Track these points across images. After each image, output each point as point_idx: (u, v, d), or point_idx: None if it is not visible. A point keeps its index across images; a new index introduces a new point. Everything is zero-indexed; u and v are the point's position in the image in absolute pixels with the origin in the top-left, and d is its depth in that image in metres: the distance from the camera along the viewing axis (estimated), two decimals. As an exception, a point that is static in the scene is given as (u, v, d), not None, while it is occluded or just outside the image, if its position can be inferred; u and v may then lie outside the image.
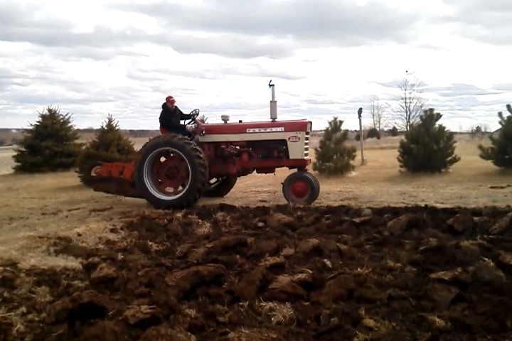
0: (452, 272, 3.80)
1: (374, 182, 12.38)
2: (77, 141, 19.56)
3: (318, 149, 15.15)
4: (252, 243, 5.24)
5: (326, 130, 15.54)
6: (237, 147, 9.33)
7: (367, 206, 7.87)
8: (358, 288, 3.66)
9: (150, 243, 5.65)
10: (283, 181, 9.04)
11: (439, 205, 7.76)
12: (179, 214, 7.35)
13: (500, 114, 14.29)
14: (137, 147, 14.72)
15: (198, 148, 8.67)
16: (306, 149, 9.19)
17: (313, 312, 3.35)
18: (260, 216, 7.08)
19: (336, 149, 14.79)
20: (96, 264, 4.68)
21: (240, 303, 3.55)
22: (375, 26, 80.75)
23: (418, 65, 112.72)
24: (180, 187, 9.01)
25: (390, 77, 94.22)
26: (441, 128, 14.28)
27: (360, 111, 19.22)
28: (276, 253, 4.83)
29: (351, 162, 14.96)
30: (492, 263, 3.95)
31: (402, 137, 16.65)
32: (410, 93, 48.95)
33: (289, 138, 8.93)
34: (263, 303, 3.49)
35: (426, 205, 7.71)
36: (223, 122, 9.64)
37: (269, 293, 3.68)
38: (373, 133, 52.70)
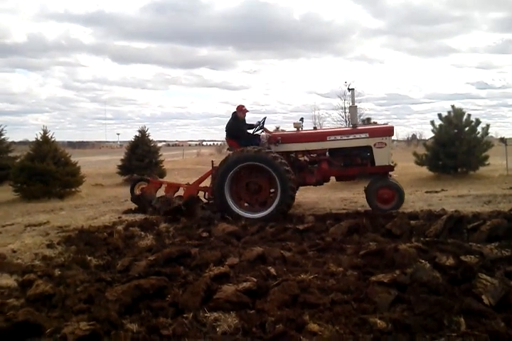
0: (391, 274, 3.93)
1: (317, 189, 12.57)
2: (12, 154, 18.65)
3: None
4: (196, 253, 5.18)
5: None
6: (316, 155, 8.81)
7: (310, 213, 7.99)
8: (302, 293, 3.69)
9: (89, 258, 5.45)
10: (366, 187, 8.70)
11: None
12: (120, 227, 7.13)
13: (432, 123, 15.07)
14: (74, 159, 14.30)
15: (285, 162, 8.08)
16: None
17: (259, 320, 3.34)
18: (204, 226, 7.03)
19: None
20: (32, 281, 4.44)
21: (184, 315, 3.48)
22: (312, 39, 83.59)
23: (355, 76, 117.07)
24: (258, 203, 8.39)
25: (328, 87, 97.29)
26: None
27: (301, 120, 19.54)
28: (221, 263, 4.78)
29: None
30: (429, 265, 4.11)
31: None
32: (349, 103, 50.51)
33: (375, 145, 8.42)
34: (208, 314, 3.45)
35: (365, 210, 7.97)
36: (295, 130, 9.20)
37: (214, 303, 3.64)
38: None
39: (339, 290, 3.77)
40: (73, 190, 13.71)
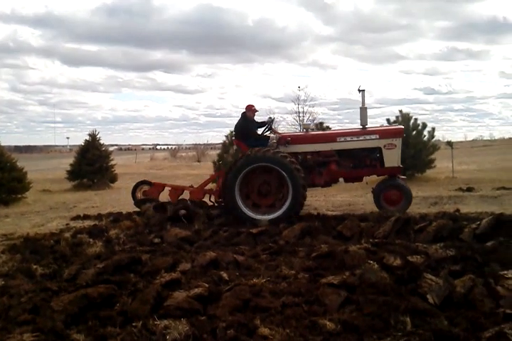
0: (341, 276, 3.99)
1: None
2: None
3: (216, 162, 15.26)
4: (147, 260, 5.07)
5: (223, 143, 15.72)
6: (325, 156, 8.64)
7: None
8: (254, 298, 3.69)
9: (35, 266, 5.22)
10: (373, 188, 8.65)
11: (329, 213, 8.13)
12: (67, 234, 6.90)
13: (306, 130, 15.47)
14: (21, 163, 13.75)
15: (296, 163, 7.97)
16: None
17: (210, 326, 3.31)
18: (156, 231, 6.91)
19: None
20: (-27, 292, 4.22)
21: (133, 324, 3.39)
22: (265, 44, 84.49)
23: (308, 81, 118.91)
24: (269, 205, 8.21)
25: (282, 92, 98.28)
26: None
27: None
28: (173, 270, 4.71)
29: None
30: (377, 266, 4.18)
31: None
32: (303, 107, 51.35)
33: (385, 146, 8.42)
34: (157, 322, 3.37)
35: (318, 213, 8.08)
36: (305, 131, 9.03)
37: (165, 311, 3.58)
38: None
39: (290, 293, 3.80)
40: (19, 196, 13.15)
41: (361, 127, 8.70)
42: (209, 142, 49.22)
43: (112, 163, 18.08)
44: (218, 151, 16.80)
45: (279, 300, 3.64)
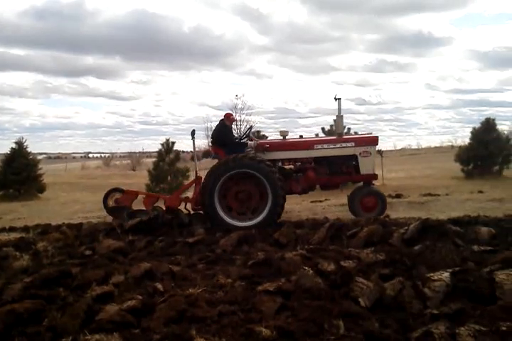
0: (277, 283, 4.03)
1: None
2: None
3: (152, 171, 14.97)
4: (77, 273, 4.87)
5: (159, 151, 15.47)
6: (302, 164, 8.70)
7: (201, 226, 7.94)
8: (190, 308, 3.64)
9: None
10: (349, 195, 8.71)
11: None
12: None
13: (317, 136, 15.91)
14: None
15: (276, 170, 7.97)
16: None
17: (144, 339, 3.23)
18: (88, 243, 6.66)
19: (170, 170, 14.80)
20: None
21: (63, 339, 3.25)
22: (202, 52, 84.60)
23: (245, 90, 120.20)
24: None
25: (219, 100, 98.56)
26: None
27: (193, 132, 19.50)
28: (105, 282, 4.55)
29: (186, 182, 15.06)
30: (311, 271, 4.26)
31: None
32: (240, 116, 51.72)
33: (360, 154, 8.59)
34: (88, 336, 3.24)
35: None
36: (282, 138, 8.98)
37: (96, 325, 3.45)
38: (208, 153, 54.16)
39: (227, 302, 3.78)
40: None
41: (338, 135, 8.93)
42: (144, 150, 48.34)
43: (40, 172, 17.27)
44: (154, 159, 16.48)
45: (215, 310, 3.61)
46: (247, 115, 51.89)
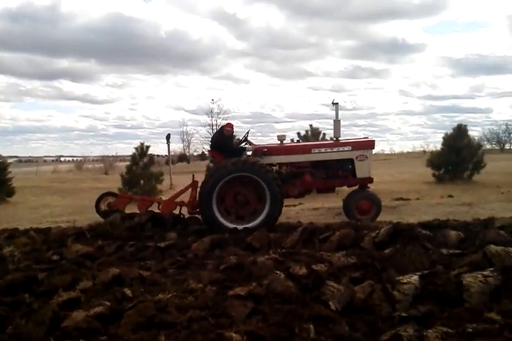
0: (248, 287, 3.99)
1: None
2: None
3: (124, 175, 14.74)
4: (43, 279, 4.74)
5: (133, 155, 15.26)
6: (299, 168, 8.72)
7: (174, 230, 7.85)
8: (159, 314, 3.58)
9: None
10: (344, 198, 8.77)
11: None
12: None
13: (292, 141, 15.95)
14: None
15: (275, 173, 8.06)
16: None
17: (111, 346, 3.15)
18: (55, 248, 6.50)
19: (143, 174, 14.61)
20: None
21: (27, 348, 3.15)
22: (178, 56, 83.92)
23: (221, 95, 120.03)
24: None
25: (195, 104, 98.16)
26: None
27: (168, 136, 19.49)
28: (72, 288, 4.45)
29: (159, 186, 14.92)
30: (283, 276, 4.25)
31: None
32: (216, 120, 51.70)
33: (357, 157, 8.64)
34: (53, 344, 3.16)
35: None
36: (279, 142, 9.01)
37: (62, 332, 3.38)
38: (183, 157, 53.80)
39: (197, 307, 3.72)
40: None
41: (334, 139, 9.03)
42: (118, 154, 47.67)
43: (10, 175, 16.84)
44: (128, 163, 16.25)
45: (185, 315, 3.55)
46: (223, 119, 51.99)
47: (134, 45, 79.98)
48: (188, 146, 58.29)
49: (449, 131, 17.20)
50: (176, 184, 18.05)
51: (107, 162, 36.03)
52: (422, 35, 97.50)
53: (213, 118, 51.68)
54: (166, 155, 23.31)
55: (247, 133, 9.17)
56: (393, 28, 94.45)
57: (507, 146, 50.41)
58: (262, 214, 7.96)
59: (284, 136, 9.29)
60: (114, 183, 16.43)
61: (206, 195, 7.94)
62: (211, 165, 14.97)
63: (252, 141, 9.07)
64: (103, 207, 8.99)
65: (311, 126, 18.38)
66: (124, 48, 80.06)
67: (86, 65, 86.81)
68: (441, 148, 17.31)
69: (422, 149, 40.91)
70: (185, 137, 57.29)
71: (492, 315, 3.29)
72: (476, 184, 15.18)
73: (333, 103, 8.90)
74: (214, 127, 51.89)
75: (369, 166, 8.85)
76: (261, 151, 8.62)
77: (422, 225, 6.67)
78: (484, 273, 4.01)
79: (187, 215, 8.85)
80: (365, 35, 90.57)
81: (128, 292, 4.17)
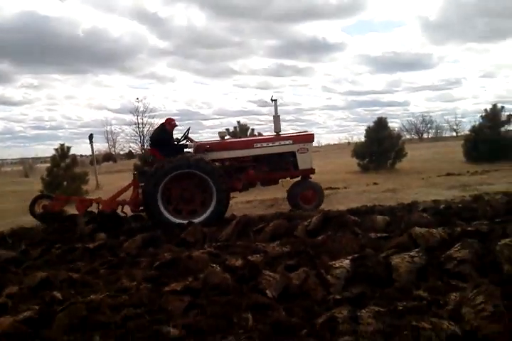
0: (184, 282, 3.94)
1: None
2: None
3: (45, 177, 14.07)
4: (-37, 287, 4.41)
5: (53, 157, 14.60)
6: (242, 162, 8.85)
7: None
8: (92, 314, 3.43)
9: None
10: (287, 189, 9.07)
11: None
12: None
13: (222, 138, 15.90)
14: None
15: (219, 168, 8.19)
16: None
17: (42, 350, 2.99)
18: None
19: (66, 176, 14.03)
20: None
21: None
22: (98, 55, 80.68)
23: (146, 93, 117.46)
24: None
25: (119, 103, 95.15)
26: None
27: (91, 136, 18.85)
28: (-3, 295, 4.18)
29: (85, 187, 14.38)
30: (219, 268, 4.24)
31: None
32: (142, 119, 50.64)
33: (298, 150, 8.93)
34: (-23, 355, 2.95)
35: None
36: (220, 139, 9.20)
37: (-14, 341, 3.14)
38: (109, 157, 52.21)
39: (132, 306, 3.61)
40: None
41: (275, 134, 9.22)
42: (38, 156, 45.38)
43: None
44: (48, 165, 15.50)
45: (119, 314, 3.44)
46: (149, 118, 50.97)
47: (50, 45, 75.90)
48: (114, 145, 56.69)
49: (371, 124, 18.07)
50: (102, 184, 17.49)
51: (27, 164, 34.22)
52: (341, 35, 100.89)
53: (139, 117, 50.78)
54: (91, 155, 22.45)
55: (188, 130, 9.18)
56: (313, 28, 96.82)
57: (425, 136, 53.58)
58: (209, 209, 8.02)
59: (226, 132, 9.68)
60: (35, 186, 15.64)
61: (151, 193, 7.88)
62: (141, 163, 14.68)
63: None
64: (38, 209, 8.60)
65: (238, 122, 18.51)
66: (39, 48, 75.70)
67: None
68: (365, 140, 18.11)
69: (346, 141, 42.46)
70: (109, 136, 55.65)
71: (420, 293, 3.46)
72: (399, 171, 16.01)
73: (271, 99, 9.14)
74: (140, 125, 51.13)
75: (310, 158, 9.21)
76: (204, 148, 8.69)
77: (350, 212, 6.93)
78: (410, 253, 4.22)
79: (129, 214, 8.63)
80: (287, 35, 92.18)
81: (57, 295, 3.96)
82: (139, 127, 50.75)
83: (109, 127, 55.28)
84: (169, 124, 8.81)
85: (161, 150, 8.49)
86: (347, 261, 4.22)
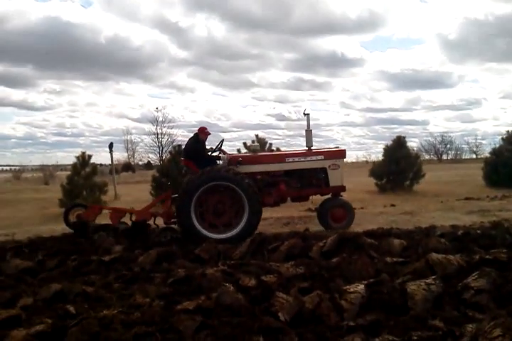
0: (196, 301, 3.93)
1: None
2: None
3: (66, 185, 14.24)
4: (-21, 297, 4.47)
5: (74, 165, 14.78)
6: (274, 177, 8.83)
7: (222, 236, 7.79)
8: (103, 331, 3.44)
9: None
10: (317, 207, 9.04)
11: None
12: None
13: (238, 151, 16.01)
14: None
15: (252, 182, 8.07)
16: None
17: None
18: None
19: (86, 185, 14.18)
20: None
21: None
22: (120, 63, 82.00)
23: (166, 103, 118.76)
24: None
25: (139, 112, 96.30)
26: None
27: (111, 145, 18.99)
28: (12, 305, 4.23)
29: (103, 197, 14.52)
30: (232, 288, 4.20)
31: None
32: (161, 129, 51.05)
33: (329, 166, 8.85)
34: (-11, 367, 2.97)
35: (176, 237, 7.96)
36: (252, 152, 9.28)
37: (-1, 354, 3.17)
38: (128, 167, 52.59)
39: (144, 323, 3.61)
40: None
41: (307, 148, 9.15)
42: (58, 163, 46.02)
43: None
44: (69, 173, 15.72)
45: (131, 331, 3.44)
46: (168, 128, 51.41)
47: (72, 51, 77.37)
48: (133, 155, 57.14)
49: (389, 143, 17.92)
50: (120, 194, 17.64)
51: (47, 171, 34.72)
52: (360, 50, 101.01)
53: (158, 127, 51.22)
54: (110, 165, 22.68)
55: (221, 142, 9.20)
56: (332, 43, 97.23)
57: (444, 157, 52.99)
58: (241, 223, 7.99)
59: (258, 145, 9.67)
60: (54, 193, 15.86)
61: (184, 205, 7.89)
62: (158, 174, 14.79)
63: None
64: (72, 218, 8.72)
65: (257, 136, 18.59)
66: (62, 54, 77.29)
67: (22, 70, 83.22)
68: (382, 159, 17.96)
69: (364, 159, 42.22)
70: (129, 146, 56.18)
71: (436, 322, 3.39)
72: (416, 193, 15.82)
73: (304, 113, 9.08)
74: (159, 136, 51.56)
75: (341, 175, 9.10)
76: (236, 160, 8.64)
77: (367, 234, 6.84)
78: (427, 281, 4.15)
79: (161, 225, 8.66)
80: (306, 49, 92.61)
81: (71, 308, 3.99)
82: (158, 137, 51.22)
83: (128, 136, 55.81)
84: (202, 133, 8.86)
85: (195, 162, 8.55)
86: (362, 286, 4.17)
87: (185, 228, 7.98)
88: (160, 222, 8.68)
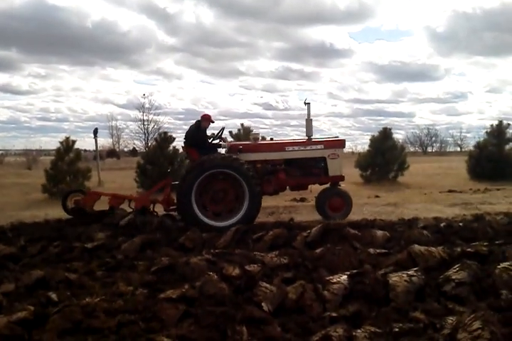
0: (180, 289, 3.92)
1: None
2: None
3: (49, 170, 14.06)
4: (-41, 283, 4.41)
5: (58, 150, 14.58)
6: (273, 165, 8.83)
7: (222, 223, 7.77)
8: (86, 318, 3.42)
9: None
10: (316, 196, 8.98)
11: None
12: None
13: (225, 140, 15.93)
14: None
15: (252, 170, 8.07)
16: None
17: (34, 354, 2.98)
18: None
19: (70, 170, 14.02)
20: None
21: None
22: (106, 48, 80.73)
23: (152, 89, 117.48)
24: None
25: (124, 98, 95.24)
26: (175, 149, 15.03)
27: (95, 131, 18.76)
28: (-8, 292, 4.18)
29: (87, 183, 14.37)
30: (216, 277, 4.22)
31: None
32: (147, 116, 50.64)
33: (329, 156, 8.83)
34: (-31, 355, 2.94)
35: (161, 225, 7.91)
36: (253, 141, 9.08)
37: (-20, 341, 3.14)
38: (113, 153, 52.13)
39: (127, 311, 3.60)
40: None
41: (307, 138, 9.15)
42: (42, 148, 45.45)
43: None
44: (52, 158, 15.51)
45: (114, 320, 3.43)
46: (154, 115, 51.03)
47: (58, 35, 75.89)
48: (118, 141, 56.66)
49: (375, 134, 18.00)
50: (105, 180, 17.50)
51: (30, 156, 34.27)
52: (348, 41, 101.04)
53: (144, 114, 50.80)
54: (94, 151, 22.43)
55: (222, 129, 9.19)
56: (321, 33, 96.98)
57: (429, 149, 53.52)
58: (241, 211, 8.00)
59: (258, 134, 9.59)
60: (38, 179, 15.66)
61: (185, 192, 7.87)
62: (144, 161, 14.68)
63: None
64: (70, 204, 8.63)
65: (242, 124, 18.55)
66: (47, 38, 75.91)
67: (6, 53, 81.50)
68: (368, 150, 18.05)
69: (350, 150, 42.42)
70: (114, 132, 55.67)
71: (417, 314, 3.44)
72: (401, 185, 15.96)
73: (305, 103, 9.10)
74: (145, 122, 51.18)
75: (341, 164, 9.10)
76: (236, 148, 8.68)
77: (351, 225, 6.88)
78: (409, 272, 4.20)
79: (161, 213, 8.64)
80: (295, 38, 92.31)
81: (53, 296, 3.96)
82: (144, 124, 50.84)
83: (114, 122, 55.29)
84: (205, 120, 8.82)
85: (196, 149, 8.54)
86: (345, 277, 4.21)
87: (186, 216, 7.96)
88: (159, 209, 8.66)
